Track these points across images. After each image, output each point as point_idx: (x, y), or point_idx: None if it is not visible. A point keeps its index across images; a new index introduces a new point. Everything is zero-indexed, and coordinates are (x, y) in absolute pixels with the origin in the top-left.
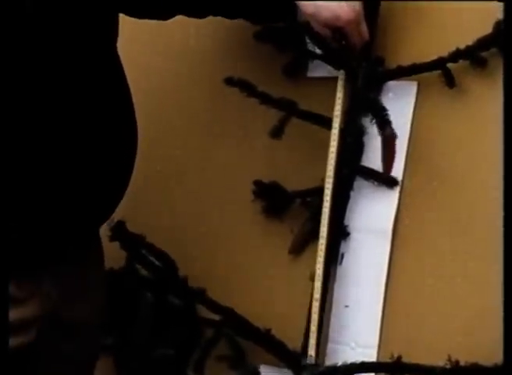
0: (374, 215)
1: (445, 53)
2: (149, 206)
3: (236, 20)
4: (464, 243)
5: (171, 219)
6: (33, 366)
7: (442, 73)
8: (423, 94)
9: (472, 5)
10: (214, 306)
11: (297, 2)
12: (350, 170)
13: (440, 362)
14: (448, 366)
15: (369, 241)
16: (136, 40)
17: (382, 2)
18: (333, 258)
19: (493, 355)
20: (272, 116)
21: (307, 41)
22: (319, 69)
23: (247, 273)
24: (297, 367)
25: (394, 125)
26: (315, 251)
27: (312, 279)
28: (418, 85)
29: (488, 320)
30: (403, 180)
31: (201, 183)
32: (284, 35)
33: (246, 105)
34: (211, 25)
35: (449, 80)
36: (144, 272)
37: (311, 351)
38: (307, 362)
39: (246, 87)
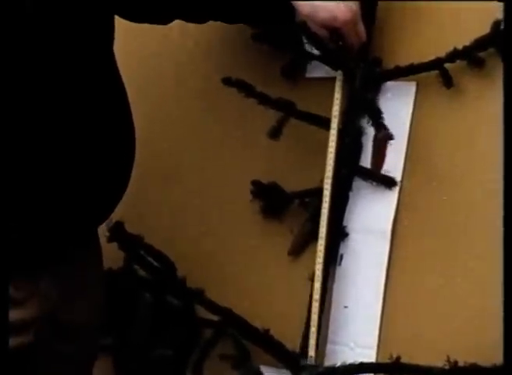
0: (373, 215)
1: (442, 53)
2: (147, 207)
3: None
4: (463, 243)
5: (169, 219)
6: (32, 366)
7: (439, 74)
8: (422, 94)
9: (470, 5)
10: (212, 307)
11: (294, 3)
12: (349, 171)
13: (440, 362)
14: (447, 367)
15: (368, 241)
16: (135, 40)
17: (379, 3)
18: (332, 258)
19: (493, 356)
20: (271, 116)
21: (305, 41)
22: (318, 70)
23: (246, 274)
24: (296, 368)
25: (393, 125)
26: (314, 252)
27: (311, 279)
28: (417, 85)
29: (487, 320)
30: (402, 181)
31: (200, 184)
32: (282, 36)
33: (244, 106)
34: (210, 25)
35: (447, 81)
36: (142, 272)
37: (311, 352)
38: (307, 362)
39: (244, 88)
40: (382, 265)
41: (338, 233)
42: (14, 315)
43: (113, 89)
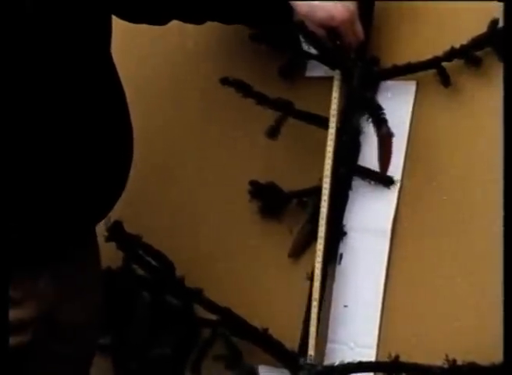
0: (373, 214)
1: (440, 52)
2: (146, 206)
3: None
4: (463, 242)
5: (168, 219)
6: (29, 366)
7: (437, 72)
8: (421, 94)
9: (467, 5)
10: (211, 306)
11: (292, 3)
12: (347, 170)
13: (439, 362)
14: (446, 366)
15: (368, 240)
16: (134, 40)
17: (376, 2)
18: (332, 257)
19: (492, 355)
20: (269, 116)
21: (302, 41)
22: (317, 69)
23: (244, 273)
24: (295, 367)
25: (392, 125)
26: (313, 252)
27: (310, 278)
28: (417, 85)
29: (487, 320)
30: (401, 180)
31: (198, 184)
32: (279, 36)
33: (242, 106)
34: (209, 26)
35: (445, 79)
36: (141, 272)
37: (311, 351)
38: (306, 361)
39: (242, 88)
40: (381, 264)
41: (337, 233)
42: (12, 315)
43: (111, 89)
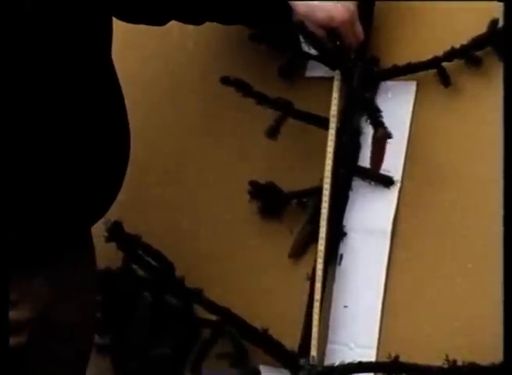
0: (373, 215)
1: (440, 52)
2: (146, 207)
3: None
4: (463, 243)
5: (168, 219)
6: (27, 366)
7: (437, 73)
8: (422, 94)
9: (467, 5)
10: (211, 306)
11: (291, 3)
12: (347, 170)
13: (440, 362)
14: (446, 366)
15: (368, 241)
16: (135, 41)
17: (376, 2)
18: (332, 258)
19: (493, 356)
20: (268, 116)
21: (302, 41)
22: (317, 69)
23: (244, 273)
24: (295, 367)
25: (392, 125)
26: (313, 252)
27: (310, 279)
28: (417, 85)
29: (487, 320)
30: (402, 180)
31: (198, 184)
32: (279, 36)
33: (242, 105)
34: (209, 26)
35: (445, 80)
36: (141, 272)
37: (313, 352)
38: (306, 362)
39: (242, 87)
40: (381, 264)
41: (337, 233)
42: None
43: (109, 90)
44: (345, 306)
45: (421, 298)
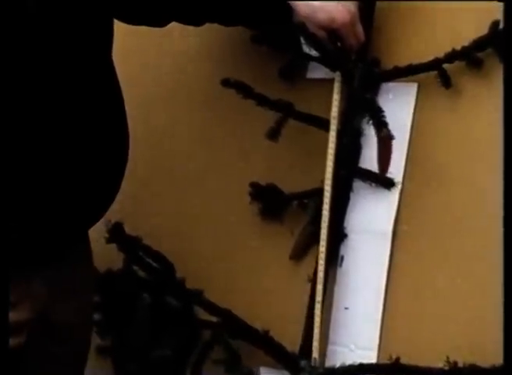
0: (374, 216)
1: (441, 54)
2: (146, 208)
3: None
4: (463, 244)
5: (168, 221)
6: (26, 367)
7: (438, 74)
8: (423, 95)
9: (468, 6)
10: (211, 308)
11: (292, 4)
12: (348, 172)
13: (441, 364)
14: (446, 368)
15: (369, 242)
16: (135, 41)
17: (377, 3)
18: (333, 260)
19: (493, 357)
20: (269, 117)
21: (302, 42)
22: (318, 71)
23: (245, 274)
24: (296, 369)
25: (393, 126)
26: (313, 254)
27: (310, 281)
28: (418, 86)
29: (488, 322)
30: (402, 182)
31: (199, 185)
32: (280, 38)
33: (243, 107)
34: (210, 27)
35: (446, 81)
36: (141, 273)
37: (315, 354)
38: (312, 364)
39: (243, 89)
40: (382, 266)
41: (338, 235)
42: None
43: (109, 92)
44: (346, 308)
45: (422, 300)
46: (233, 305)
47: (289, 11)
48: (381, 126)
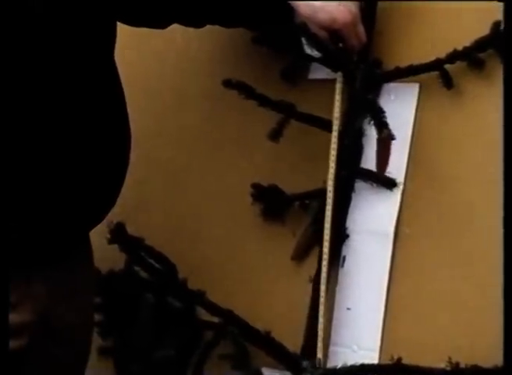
0: (375, 217)
1: (442, 54)
2: (148, 209)
3: None
4: (466, 245)
5: (170, 221)
6: (27, 369)
7: (440, 75)
8: (424, 95)
9: (469, 6)
10: (214, 308)
11: (293, 4)
12: (349, 172)
13: (443, 364)
14: (448, 368)
15: (371, 243)
16: (135, 42)
17: (378, 4)
18: (335, 260)
19: (495, 358)
20: (271, 118)
21: (304, 43)
22: (320, 72)
23: (247, 275)
24: (297, 369)
25: (395, 127)
26: (315, 254)
27: (312, 281)
28: (420, 87)
29: (490, 322)
30: (404, 182)
31: (201, 186)
32: (282, 38)
33: (244, 108)
34: (211, 28)
35: (447, 82)
36: (143, 274)
37: (319, 354)
38: (316, 364)
39: (244, 90)
40: (384, 267)
41: (340, 235)
42: (9, 319)
43: (111, 93)
44: (348, 308)
45: (424, 300)
46: (235, 305)
47: (290, 11)
48: (382, 126)
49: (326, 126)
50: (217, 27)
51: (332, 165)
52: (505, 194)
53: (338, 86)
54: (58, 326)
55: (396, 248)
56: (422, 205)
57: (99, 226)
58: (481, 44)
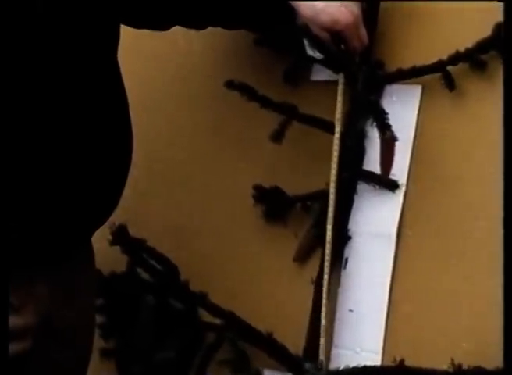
0: (378, 218)
1: (445, 56)
2: (150, 210)
3: None
4: (469, 246)
5: (172, 223)
6: (31, 372)
7: (442, 76)
8: (427, 97)
9: (471, 7)
10: (215, 310)
11: (295, 5)
12: (351, 174)
13: (445, 366)
14: (451, 370)
15: (373, 244)
16: (138, 43)
17: (380, 5)
18: (337, 262)
19: (498, 359)
20: (273, 119)
21: (306, 44)
22: (322, 73)
23: (249, 277)
24: (299, 371)
25: (398, 128)
26: (317, 256)
27: (314, 283)
28: (422, 88)
29: (493, 324)
30: (407, 184)
31: (202, 188)
32: (284, 40)
33: (246, 109)
34: (213, 29)
35: (449, 83)
36: (145, 276)
37: (322, 356)
38: (318, 366)
39: (246, 91)
40: (387, 268)
41: (342, 237)
42: (11, 321)
43: (114, 94)
44: (350, 310)
45: (427, 302)
46: (237, 307)
47: (292, 13)
48: (384, 128)
49: (328, 127)
50: (219, 29)
51: (334, 166)
52: (505, 195)
53: (340, 87)
54: (59, 327)
55: (399, 249)
56: (425, 207)
57: (101, 227)
58: (483, 46)
